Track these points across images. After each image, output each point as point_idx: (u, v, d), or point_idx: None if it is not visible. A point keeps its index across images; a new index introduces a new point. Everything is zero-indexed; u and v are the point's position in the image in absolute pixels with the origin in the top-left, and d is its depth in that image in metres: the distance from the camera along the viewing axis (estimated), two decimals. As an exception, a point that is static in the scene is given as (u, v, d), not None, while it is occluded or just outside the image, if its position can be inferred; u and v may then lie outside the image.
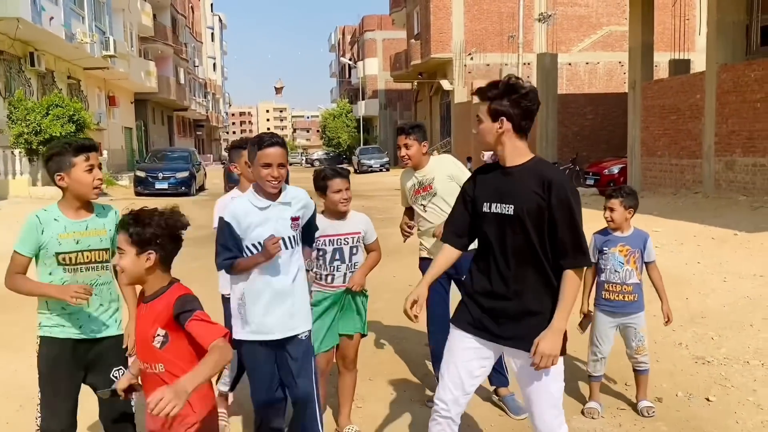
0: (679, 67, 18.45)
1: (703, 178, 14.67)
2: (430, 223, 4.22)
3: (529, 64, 27.93)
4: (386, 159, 38.83)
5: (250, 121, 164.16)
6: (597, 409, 4.09)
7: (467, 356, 2.79)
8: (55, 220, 2.93)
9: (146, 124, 36.94)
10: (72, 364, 2.97)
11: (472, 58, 32.91)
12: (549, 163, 2.87)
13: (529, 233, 2.63)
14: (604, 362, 4.18)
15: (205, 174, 26.44)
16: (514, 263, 2.67)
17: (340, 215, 3.72)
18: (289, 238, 3.13)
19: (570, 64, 32.17)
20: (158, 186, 21.29)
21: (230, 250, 3.05)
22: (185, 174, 22.02)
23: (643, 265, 4.07)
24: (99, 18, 25.53)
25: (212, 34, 65.62)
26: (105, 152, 25.59)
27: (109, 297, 3.06)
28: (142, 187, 21.42)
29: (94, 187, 2.94)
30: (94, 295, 2.89)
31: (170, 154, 24.58)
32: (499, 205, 2.69)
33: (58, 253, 2.92)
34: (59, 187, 2.94)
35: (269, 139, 3.05)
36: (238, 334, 3.14)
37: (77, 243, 2.95)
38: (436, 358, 4.03)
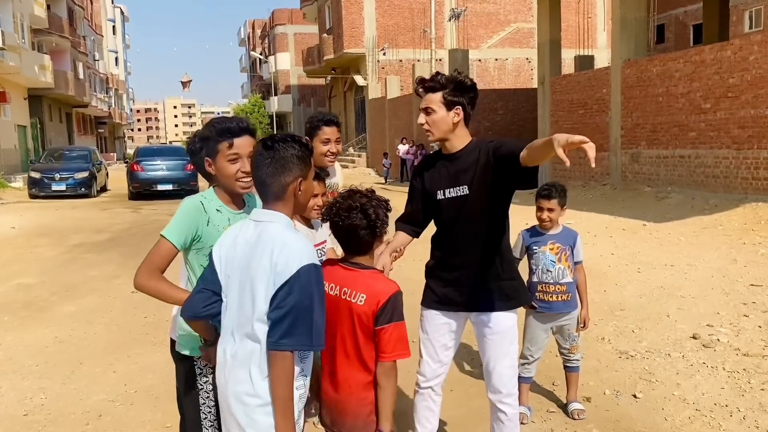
0: (584, 62, 19.02)
1: (610, 170, 15.14)
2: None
3: (441, 60, 28.13)
4: (302, 155, 38.10)
5: (156, 118, 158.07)
6: (526, 413, 3.92)
7: (439, 331, 3.06)
8: (218, 210, 2.53)
9: (42, 121, 34.68)
10: None
11: (384, 54, 32.84)
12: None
13: (484, 206, 2.85)
14: (536, 364, 4.03)
15: (107, 174, 24.97)
16: (469, 237, 2.91)
17: (309, 221, 3.03)
18: None
19: (480, 60, 32.69)
20: (55, 187, 19.87)
21: None
22: (85, 174, 20.63)
23: (574, 264, 3.93)
24: (-16, 7, 23.62)
25: (113, 26, 62.85)
26: (-6, 152, 23.76)
27: None
28: (37, 189, 19.96)
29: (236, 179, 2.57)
30: None
31: (68, 153, 23.02)
32: (452, 189, 2.89)
33: None
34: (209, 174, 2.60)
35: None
36: None
37: None
38: None
